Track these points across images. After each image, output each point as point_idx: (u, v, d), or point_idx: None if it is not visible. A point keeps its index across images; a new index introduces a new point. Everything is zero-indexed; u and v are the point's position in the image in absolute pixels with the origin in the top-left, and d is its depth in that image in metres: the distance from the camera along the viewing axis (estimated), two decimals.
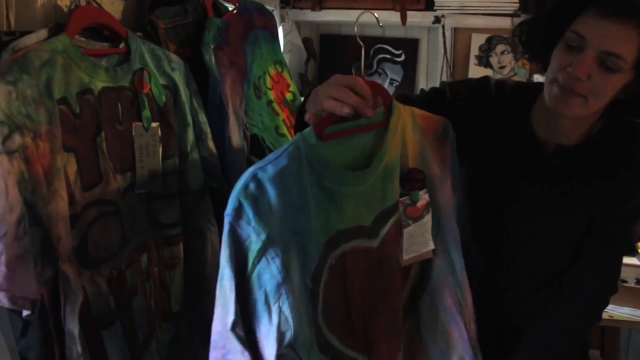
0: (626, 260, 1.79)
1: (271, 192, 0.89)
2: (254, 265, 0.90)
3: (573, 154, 1.18)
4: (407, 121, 1.05)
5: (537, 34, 1.17)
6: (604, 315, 1.50)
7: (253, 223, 0.89)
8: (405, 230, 1.05)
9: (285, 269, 0.90)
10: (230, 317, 0.90)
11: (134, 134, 1.08)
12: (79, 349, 0.92)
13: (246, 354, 0.90)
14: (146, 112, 1.09)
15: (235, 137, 1.30)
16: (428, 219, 1.06)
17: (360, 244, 0.99)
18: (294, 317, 0.91)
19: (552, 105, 1.11)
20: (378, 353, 1.04)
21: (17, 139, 0.84)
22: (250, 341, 0.92)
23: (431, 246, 1.08)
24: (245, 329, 0.92)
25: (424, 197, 1.05)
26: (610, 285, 1.24)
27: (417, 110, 1.08)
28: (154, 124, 1.11)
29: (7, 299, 0.83)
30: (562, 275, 1.23)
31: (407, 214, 1.04)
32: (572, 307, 1.21)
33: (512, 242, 1.23)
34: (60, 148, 0.91)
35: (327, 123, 0.95)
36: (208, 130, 1.25)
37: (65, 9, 1.06)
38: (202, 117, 1.24)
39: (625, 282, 1.84)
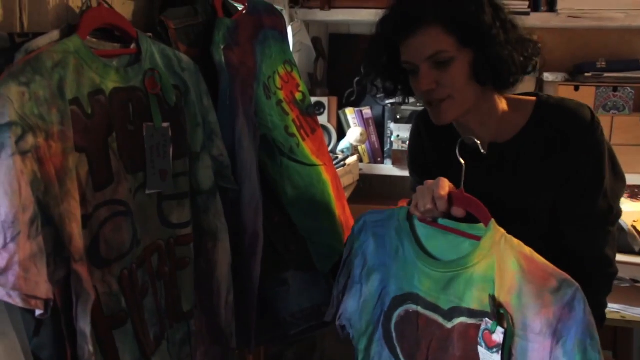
0: (638, 259, 1.78)
1: (369, 231, 1.24)
2: (351, 254, 1.26)
3: (508, 149, 1.23)
4: (506, 252, 1.03)
5: (385, 84, 1.31)
6: (616, 316, 1.49)
7: (357, 244, 1.26)
8: (479, 348, 1.05)
9: (367, 274, 1.22)
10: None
11: (144, 134, 1.08)
12: (91, 348, 0.92)
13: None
14: (157, 113, 1.10)
15: (246, 137, 1.31)
16: (496, 359, 1.02)
17: (434, 317, 1.13)
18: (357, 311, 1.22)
19: (436, 122, 1.24)
20: None
21: (30, 139, 0.85)
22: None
23: None
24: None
25: (498, 335, 1.01)
26: (603, 266, 1.23)
27: (526, 250, 1.02)
28: (164, 124, 1.11)
29: (20, 298, 0.83)
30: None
31: (484, 337, 1.04)
32: None
33: None
34: (72, 148, 0.92)
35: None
36: (218, 130, 1.25)
37: (77, 10, 1.07)
38: (213, 117, 1.24)
39: (638, 282, 1.83)
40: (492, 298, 1.02)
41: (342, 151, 2.48)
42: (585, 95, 2.25)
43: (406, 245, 1.18)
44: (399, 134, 2.52)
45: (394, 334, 1.19)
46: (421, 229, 1.18)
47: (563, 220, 1.22)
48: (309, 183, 1.52)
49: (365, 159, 2.57)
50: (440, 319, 1.12)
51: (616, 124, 2.25)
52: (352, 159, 2.40)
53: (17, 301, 0.83)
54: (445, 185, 1.12)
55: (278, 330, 1.47)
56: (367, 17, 2.51)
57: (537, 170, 1.22)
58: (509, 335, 1.00)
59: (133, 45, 1.10)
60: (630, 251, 1.90)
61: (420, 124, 1.40)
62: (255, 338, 1.38)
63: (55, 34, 0.96)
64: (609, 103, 2.31)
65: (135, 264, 1.05)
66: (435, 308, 1.12)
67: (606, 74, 2.29)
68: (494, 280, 1.03)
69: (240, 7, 1.46)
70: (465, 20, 1.14)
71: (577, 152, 1.19)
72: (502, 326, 1.01)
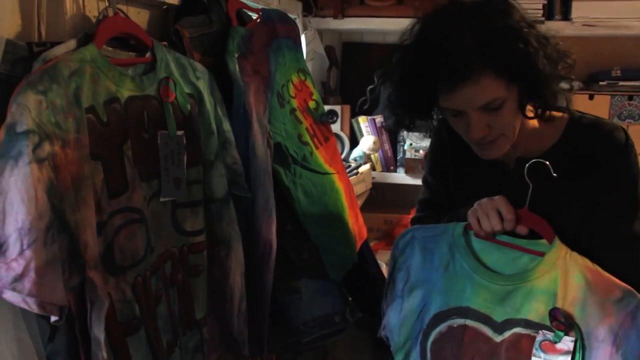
0: None
1: (417, 245, 1.24)
2: (395, 268, 1.28)
3: (537, 164, 1.18)
4: (571, 266, 1.10)
5: (413, 111, 1.22)
6: None
7: (401, 258, 1.27)
8: (533, 359, 1.09)
9: (410, 289, 1.24)
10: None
11: (159, 142, 1.09)
12: (105, 354, 0.92)
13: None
14: (171, 121, 1.11)
15: (259, 146, 1.31)
16: None
17: (484, 329, 1.15)
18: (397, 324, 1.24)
19: (483, 156, 1.20)
20: None
21: (46, 147, 0.86)
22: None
23: None
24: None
25: (566, 344, 1.07)
26: None
27: (589, 264, 1.10)
28: (179, 133, 1.12)
29: (36, 304, 0.84)
30: None
31: (542, 347, 1.08)
32: None
33: None
34: (88, 156, 0.93)
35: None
36: (232, 138, 1.26)
37: (94, 20, 1.08)
38: (227, 126, 1.25)
39: None
40: (557, 310, 1.07)
41: (355, 159, 2.48)
42: (600, 104, 2.24)
43: (459, 260, 1.19)
44: (412, 142, 2.51)
45: (428, 354, 1.19)
46: (476, 244, 1.20)
47: (600, 245, 1.16)
48: (322, 191, 1.51)
49: (378, 167, 2.57)
50: (489, 332, 1.13)
51: (631, 133, 2.21)
52: (365, 168, 2.40)
53: (32, 307, 0.84)
54: (510, 206, 1.14)
55: (290, 339, 1.47)
56: (380, 25, 2.54)
57: (564, 189, 1.18)
58: (579, 346, 1.06)
59: (148, 54, 1.11)
60: None
61: (444, 132, 1.34)
62: (268, 346, 1.38)
63: (72, 43, 0.97)
64: (624, 112, 2.30)
65: (149, 271, 1.05)
66: (487, 320, 1.14)
67: (621, 83, 2.27)
68: (557, 293, 1.09)
69: (254, 16, 1.47)
70: (515, 62, 1.07)
71: (610, 175, 1.16)
72: (570, 335, 1.07)
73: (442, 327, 1.18)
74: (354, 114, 2.66)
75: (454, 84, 1.07)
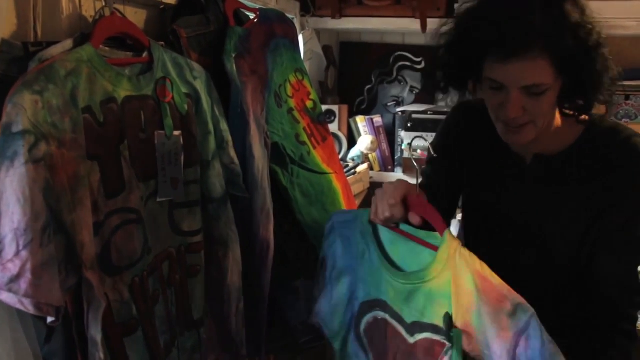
0: None
1: (337, 232, 1.20)
2: (326, 247, 1.23)
3: (554, 162, 1.19)
4: (461, 267, 0.95)
5: (452, 76, 1.21)
6: None
7: (326, 244, 1.22)
8: None
9: (337, 276, 1.19)
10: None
11: (156, 142, 1.09)
12: (102, 355, 0.92)
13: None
14: (168, 121, 1.10)
15: (257, 146, 1.31)
16: None
17: (399, 328, 1.08)
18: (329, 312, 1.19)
19: (506, 139, 1.17)
20: None
21: (42, 147, 0.85)
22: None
23: None
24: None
25: (449, 357, 0.96)
26: (633, 294, 1.18)
27: (477, 268, 0.94)
28: (176, 133, 1.12)
29: (33, 305, 0.83)
30: (567, 288, 1.21)
31: None
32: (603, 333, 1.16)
33: (511, 253, 1.22)
34: (85, 156, 0.92)
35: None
36: (229, 138, 1.25)
37: (90, 19, 1.08)
38: (224, 126, 1.25)
39: None
40: (448, 317, 0.95)
41: (353, 159, 2.48)
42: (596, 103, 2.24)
43: (372, 249, 1.13)
44: (410, 142, 2.51)
45: (364, 340, 1.16)
46: (385, 233, 1.13)
47: (600, 247, 1.16)
48: (320, 191, 1.51)
49: (376, 167, 2.57)
50: (403, 332, 1.07)
51: None
52: (363, 167, 2.40)
53: (29, 308, 0.83)
54: (398, 192, 1.05)
55: (288, 338, 1.47)
56: (377, 25, 2.54)
57: (578, 191, 1.18)
58: (454, 357, 0.94)
59: (145, 54, 1.11)
60: None
61: (460, 118, 1.34)
62: (266, 346, 1.38)
63: (68, 43, 0.97)
64: (620, 111, 2.30)
65: (147, 271, 1.05)
66: (400, 319, 1.07)
67: (618, 82, 2.27)
68: (451, 296, 0.96)
69: (251, 16, 1.47)
70: (576, 57, 1.06)
71: (624, 181, 1.15)
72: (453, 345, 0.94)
73: (369, 316, 1.14)
74: (352, 114, 2.66)
75: (509, 55, 1.05)
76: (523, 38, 1.03)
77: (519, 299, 0.90)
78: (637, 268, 1.20)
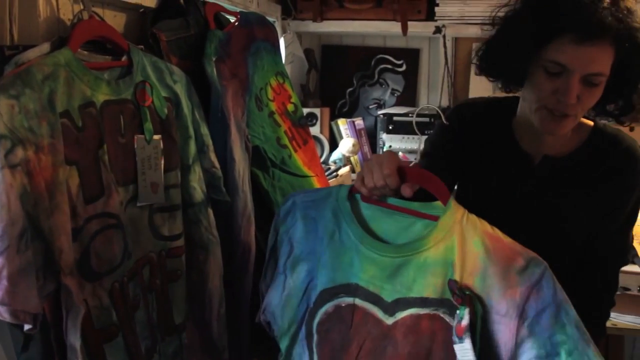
0: (629, 268, 1.78)
1: (298, 213, 1.10)
2: (277, 241, 1.14)
3: (560, 165, 1.22)
4: (469, 231, 0.97)
5: (504, 59, 1.17)
6: (608, 324, 1.49)
7: (282, 228, 1.13)
8: (455, 347, 0.94)
9: (293, 263, 1.10)
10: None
11: (136, 146, 1.08)
12: None
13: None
14: (148, 125, 1.10)
15: (237, 149, 1.31)
16: (468, 346, 0.92)
17: (373, 310, 1.02)
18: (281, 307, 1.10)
19: (544, 129, 1.16)
20: None
21: (19, 152, 0.84)
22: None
23: None
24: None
25: (466, 318, 0.92)
26: (620, 256, 1.30)
27: (488, 229, 0.97)
28: (156, 137, 1.11)
29: (9, 313, 0.82)
30: (567, 287, 1.23)
31: (456, 332, 0.94)
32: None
33: None
34: (63, 161, 0.91)
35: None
36: (210, 142, 1.25)
37: (68, 23, 1.07)
38: (204, 129, 1.24)
39: (629, 289, 1.83)
40: (454, 282, 0.95)
41: (335, 162, 2.48)
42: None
43: (345, 228, 1.06)
44: (391, 144, 2.52)
45: (315, 337, 1.06)
46: (365, 210, 1.06)
47: (597, 235, 1.25)
48: None
49: (358, 169, 2.57)
50: (379, 313, 1.02)
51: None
52: (345, 170, 2.41)
53: (5, 316, 0.82)
54: (392, 162, 1.01)
55: (271, 342, 1.46)
56: (359, 28, 2.55)
57: (582, 194, 1.22)
58: (478, 317, 0.93)
59: (124, 58, 1.10)
60: None
61: (463, 116, 1.32)
62: (248, 350, 1.37)
63: (45, 47, 0.96)
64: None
65: (127, 276, 1.04)
66: (376, 300, 1.02)
67: None
68: (454, 263, 0.96)
69: (232, 19, 1.47)
70: (631, 50, 1.08)
71: (626, 186, 1.21)
72: (468, 308, 0.93)
73: (328, 306, 1.06)
74: (334, 117, 2.67)
75: (585, 38, 1.05)
76: (601, 25, 1.04)
77: (532, 254, 0.94)
78: (628, 237, 1.29)
